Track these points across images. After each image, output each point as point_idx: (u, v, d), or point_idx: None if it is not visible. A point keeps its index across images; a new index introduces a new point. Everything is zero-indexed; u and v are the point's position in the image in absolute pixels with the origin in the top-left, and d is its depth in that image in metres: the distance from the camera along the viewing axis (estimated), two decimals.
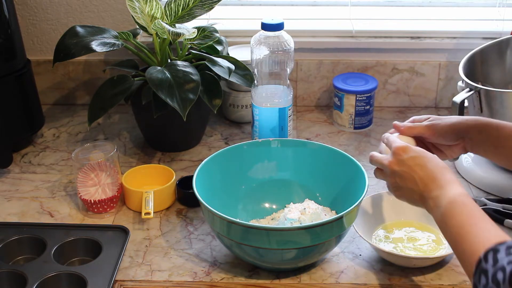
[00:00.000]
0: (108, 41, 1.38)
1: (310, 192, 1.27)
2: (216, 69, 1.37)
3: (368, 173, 1.18)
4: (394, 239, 1.19)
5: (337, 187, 1.24)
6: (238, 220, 1.10)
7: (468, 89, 1.30)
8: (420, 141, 1.14)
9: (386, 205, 1.24)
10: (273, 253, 1.08)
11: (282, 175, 1.29)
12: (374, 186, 1.37)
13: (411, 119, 1.18)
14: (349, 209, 1.08)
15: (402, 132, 1.14)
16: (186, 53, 1.46)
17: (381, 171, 1.10)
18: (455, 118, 1.13)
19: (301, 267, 1.14)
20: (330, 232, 1.08)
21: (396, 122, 1.16)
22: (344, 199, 1.19)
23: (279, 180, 1.29)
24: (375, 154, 1.11)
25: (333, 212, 1.22)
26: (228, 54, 1.53)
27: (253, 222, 1.23)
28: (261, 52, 1.38)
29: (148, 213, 1.24)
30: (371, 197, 1.24)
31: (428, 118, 1.16)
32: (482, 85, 1.30)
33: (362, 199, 1.11)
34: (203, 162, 1.21)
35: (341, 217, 1.07)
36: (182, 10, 1.41)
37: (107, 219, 1.29)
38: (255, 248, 1.08)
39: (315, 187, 1.27)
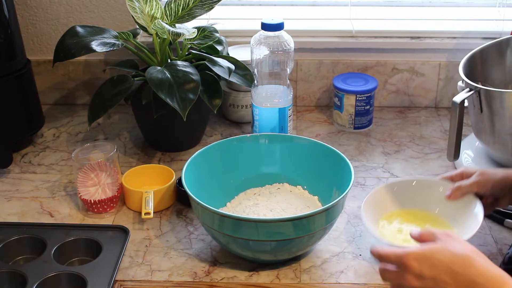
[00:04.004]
0: (108, 41, 1.38)
1: (297, 185, 1.29)
2: (216, 69, 1.37)
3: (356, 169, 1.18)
4: (396, 230, 1.18)
5: (324, 180, 1.25)
6: (224, 212, 1.12)
7: (468, 89, 1.29)
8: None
9: (389, 197, 1.23)
10: (261, 244, 1.10)
11: (270, 169, 1.30)
12: (374, 186, 1.37)
13: (460, 170, 1.17)
14: (334, 201, 1.09)
15: (451, 198, 1.14)
16: (186, 53, 1.46)
17: (391, 274, 0.89)
18: (500, 173, 1.10)
19: (301, 266, 1.15)
20: (316, 224, 1.09)
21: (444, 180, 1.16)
22: (330, 191, 1.22)
23: (267, 174, 1.30)
24: (383, 250, 0.91)
25: (320, 203, 1.25)
26: (228, 54, 1.53)
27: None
28: (261, 52, 1.38)
29: (148, 213, 1.24)
30: (373, 191, 1.23)
31: (476, 172, 1.14)
32: (482, 85, 1.30)
33: (348, 191, 1.12)
34: (191, 158, 1.22)
35: (326, 209, 1.08)
36: (182, 10, 1.41)
37: (107, 219, 1.29)
38: (245, 240, 1.09)
39: (302, 180, 1.28)
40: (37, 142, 1.56)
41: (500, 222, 1.25)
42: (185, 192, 1.14)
